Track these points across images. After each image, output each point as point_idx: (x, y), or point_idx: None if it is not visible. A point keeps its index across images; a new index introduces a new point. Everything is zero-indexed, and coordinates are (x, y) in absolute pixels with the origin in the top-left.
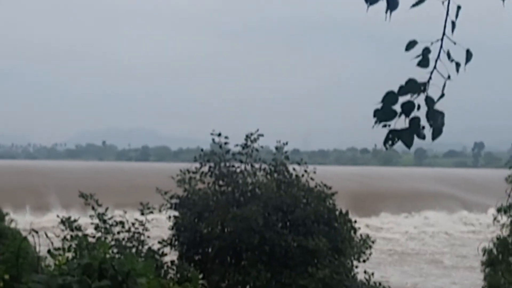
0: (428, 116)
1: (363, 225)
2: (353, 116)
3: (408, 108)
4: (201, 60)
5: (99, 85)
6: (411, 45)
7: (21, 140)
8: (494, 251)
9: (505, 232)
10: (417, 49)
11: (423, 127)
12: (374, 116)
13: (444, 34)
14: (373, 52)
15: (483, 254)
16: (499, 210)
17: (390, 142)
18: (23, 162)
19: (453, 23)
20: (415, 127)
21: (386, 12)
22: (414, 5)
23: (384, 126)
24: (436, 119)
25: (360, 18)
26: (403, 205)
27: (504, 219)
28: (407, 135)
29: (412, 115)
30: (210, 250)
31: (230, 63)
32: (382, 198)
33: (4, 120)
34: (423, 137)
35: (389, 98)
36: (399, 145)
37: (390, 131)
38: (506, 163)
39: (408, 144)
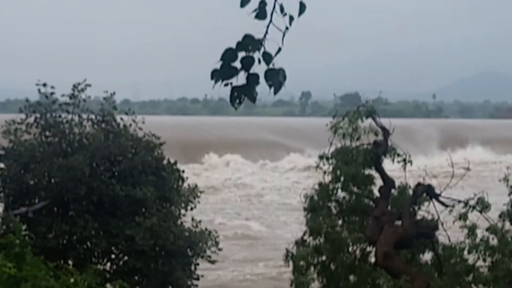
0: (266, 75)
1: (200, 173)
2: (184, 66)
3: (248, 62)
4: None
5: None
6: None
7: None
8: (316, 197)
9: (326, 179)
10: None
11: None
12: (212, 78)
13: None
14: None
15: (305, 201)
16: (321, 158)
17: (237, 100)
18: None
19: None
20: (254, 82)
21: None
22: None
23: (226, 85)
24: (274, 77)
25: None
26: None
27: (326, 166)
28: (248, 91)
29: (253, 70)
30: (36, 201)
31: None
32: (213, 147)
33: None
34: (256, 94)
35: (228, 55)
36: (228, 92)
37: (233, 89)
38: (330, 112)
39: (252, 100)
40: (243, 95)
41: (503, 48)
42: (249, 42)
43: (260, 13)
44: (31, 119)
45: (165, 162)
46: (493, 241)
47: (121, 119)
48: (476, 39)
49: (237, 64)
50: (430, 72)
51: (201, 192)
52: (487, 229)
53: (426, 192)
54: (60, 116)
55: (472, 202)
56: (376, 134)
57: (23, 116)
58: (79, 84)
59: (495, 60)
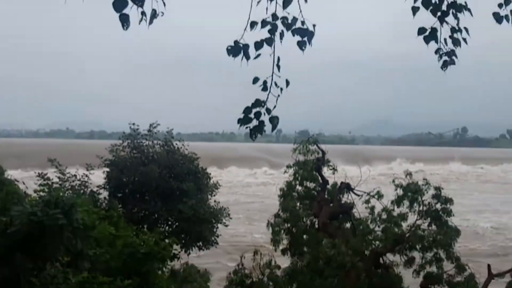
0: (270, 120)
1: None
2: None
3: (258, 115)
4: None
5: None
6: (255, 80)
7: None
8: (285, 189)
9: (291, 178)
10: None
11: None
12: (238, 123)
13: (273, 72)
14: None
15: (279, 191)
16: (288, 167)
17: (253, 136)
18: None
19: (278, 66)
20: (261, 126)
21: (242, 60)
22: (255, 57)
23: (247, 127)
24: (274, 121)
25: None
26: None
27: (290, 171)
28: (257, 131)
29: (261, 118)
30: (127, 191)
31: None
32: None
33: None
34: (264, 131)
35: (247, 110)
36: (236, 128)
37: (251, 129)
38: (293, 140)
39: (261, 133)
40: (258, 133)
41: (394, 103)
42: (258, 102)
43: (264, 88)
44: (125, 143)
45: (200, 168)
46: (384, 215)
47: (176, 144)
48: (376, 97)
49: (252, 115)
50: (346, 117)
51: (220, 185)
52: (382, 210)
53: (346, 187)
54: (141, 142)
55: (372, 194)
56: (317, 153)
57: (120, 141)
58: (153, 124)
59: (388, 111)
